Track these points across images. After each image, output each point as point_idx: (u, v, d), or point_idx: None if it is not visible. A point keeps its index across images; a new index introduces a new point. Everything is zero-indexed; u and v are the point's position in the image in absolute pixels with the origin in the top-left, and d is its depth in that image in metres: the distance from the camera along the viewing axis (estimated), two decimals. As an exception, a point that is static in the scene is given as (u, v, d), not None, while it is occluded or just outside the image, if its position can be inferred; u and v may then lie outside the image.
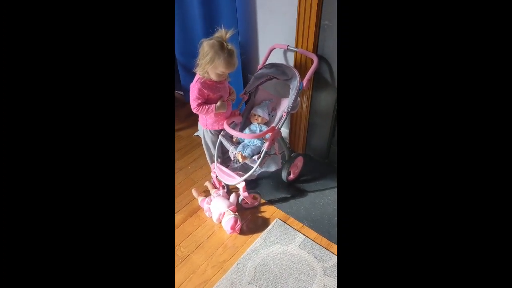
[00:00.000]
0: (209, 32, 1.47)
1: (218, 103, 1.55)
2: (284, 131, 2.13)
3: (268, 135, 1.59)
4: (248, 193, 1.66)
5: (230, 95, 1.65)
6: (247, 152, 1.59)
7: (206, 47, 1.42)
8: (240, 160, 1.58)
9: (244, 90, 1.74)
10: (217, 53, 1.40)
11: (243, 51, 1.95)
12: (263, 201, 1.80)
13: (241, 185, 1.63)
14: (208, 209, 1.69)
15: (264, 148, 1.55)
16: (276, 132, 1.57)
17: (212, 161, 1.81)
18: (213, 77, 1.48)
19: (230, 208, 1.63)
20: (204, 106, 1.54)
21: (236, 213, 1.63)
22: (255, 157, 1.58)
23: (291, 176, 1.90)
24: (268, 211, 1.75)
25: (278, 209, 1.75)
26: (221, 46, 1.40)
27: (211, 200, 1.70)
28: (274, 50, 1.78)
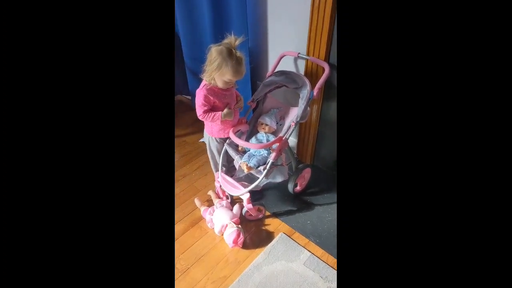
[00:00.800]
0: (218, 38, 1.43)
1: (225, 111, 1.50)
2: (292, 141, 2.06)
3: (275, 145, 1.53)
4: (253, 205, 1.59)
5: (237, 102, 1.60)
6: (252, 162, 1.53)
7: (214, 53, 1.38)
8: (245, 170, 1.52)
9: (252, 98, 1.69)
10: (225, 60, 1.35)
11: (252, 58, 1.90)
12: (267, 213, 1.73)
13: (245, 197, 1.56)
14: (210, 220, 1.62)
15: (271, 159, 1.49)
16: (284, 143, 1.50)
17: (217, 170, 1.75)
18: (220, 84, 1.43)
19: (233, 220, 1.56)
20: (210, 113, 1.49)
21: (239, 226, 1.56)
22: (261, 167, 1.52)
23: (298, 188, 1.83)
24: (273, 224, 1.68)
25: (283, 223, 1.68)
26: (229, 53, 1.35)
27: (213, 211, 1.64)
28: (284, 57, 1.72)
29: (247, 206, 1.58)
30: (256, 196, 1.80)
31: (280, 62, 1.73)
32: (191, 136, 2.38)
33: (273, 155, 1.49)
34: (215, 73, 1.39)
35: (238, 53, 1.38)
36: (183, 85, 2.49)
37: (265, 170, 1.50)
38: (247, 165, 1.52)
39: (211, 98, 1.46)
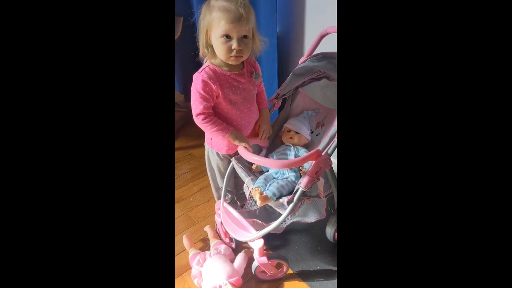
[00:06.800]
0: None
1: (235, 132, 0.99)
2: (335, 162, 1.45)
3: (308, 165, 0.95)
4: (269, 259, 1.00)
5: (260, 126, 1.09)
6: (270, 190, 0.95)
7: (202, 10, 0.91)
8: (258, 201, 0.94)
9: (276, 93, 1.14)
10: (209, 4, 0.88)
11: (282, 46, 1.38)
12: (290, 271, 1.12)
13: (257, 244, 0.98)
14: (198, 273, 1.05)
15: (301, 186, 0.91)
16: (323, 161, 0.92)
17: (219, 197, 1.20)
18: (220, 53, 0.91)
19: (231, 280, 0.97)
20: (214, 119, 0.96)
21: None
22: (284, 199, 0.94)
23: (340, 233, 1.21)
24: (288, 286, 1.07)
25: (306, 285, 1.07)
26: None
27: (205, 260, 1.06)
28: (328, 36, 1.16)
29: (259, 259, 0.99)
30: (274, 241, 1.20)
31: (322, 44, 1.17)
32: (200, 148, 1.88)
33: (304, 180, 0.91)
34: (205, 32, 0.90)
35: None
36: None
37: (291, 204, 0.92)
38: (261, 193, 0.94)
39: (213, 86, 0.93)
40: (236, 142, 0.99)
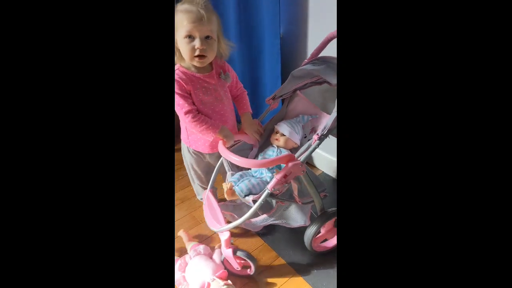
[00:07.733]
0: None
1: (224, 130, 1.02)
2: (332, 162, 1.39)
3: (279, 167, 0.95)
4: (235, 254, 1.02)
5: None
6: (240, 186, 0.97)
7: None
8: (225, 194, 0.97)
9: (274, 94, 1.14)
10: (175, 9, 0.92)
11: (286, 48, 1.37)
12: (294, 272, 1.10)
13: (223, 236, 1.01)
14: (181, 278, 1.05)
15: (268, 187, 0.91)
16: (294, 166, 0.90)
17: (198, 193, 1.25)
18: (185, 53, 0.94)
19: (217, 275, 0.99)
20: (203, 117, 1.00)
21: (229, 283, 0.98)
22: (251, 197, 0.95)
23: (324, 245, 1.16)
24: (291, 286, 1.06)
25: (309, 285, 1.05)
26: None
27: (186, 264, 1.07)
28: (334, 41, 1.12)
29: (225, 251, 1.02)
30: (274, 241, 1.20)
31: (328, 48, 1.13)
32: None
33: (271, 182, 0.91)
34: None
35: None
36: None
37: (257, 203, 0.93)
38: (230, 188, 0.97)
39: (186, 85, 0.97)
40: (226, 139, 1.02)
